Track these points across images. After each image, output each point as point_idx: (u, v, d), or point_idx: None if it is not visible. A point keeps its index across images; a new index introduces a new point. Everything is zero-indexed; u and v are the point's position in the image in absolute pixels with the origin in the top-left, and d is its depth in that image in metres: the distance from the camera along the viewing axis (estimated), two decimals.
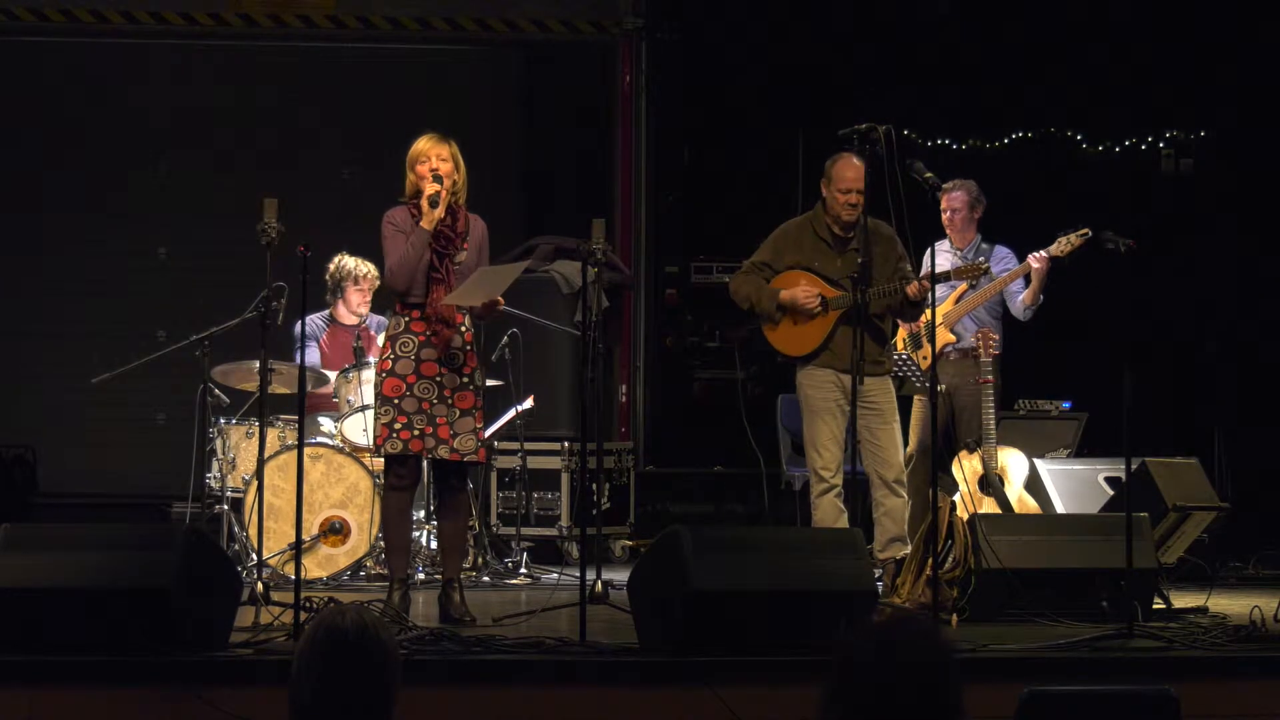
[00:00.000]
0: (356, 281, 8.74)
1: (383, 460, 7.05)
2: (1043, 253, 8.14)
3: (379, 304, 8.73)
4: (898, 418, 7.58)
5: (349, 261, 8.76)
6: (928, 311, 7.20)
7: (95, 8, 11.41)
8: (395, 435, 6.66)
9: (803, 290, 7.49)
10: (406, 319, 6.74)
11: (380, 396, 6.74)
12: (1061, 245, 8.09)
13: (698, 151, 11.53)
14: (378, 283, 8.62)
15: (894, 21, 10.96)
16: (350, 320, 8.83)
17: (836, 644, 2.91)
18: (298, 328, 7.82)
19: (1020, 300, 8.37)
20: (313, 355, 8.59)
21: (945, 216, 8.27)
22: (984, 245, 8.49)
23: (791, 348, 7.60)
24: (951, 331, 8.29)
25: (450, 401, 6.70)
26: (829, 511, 7.43)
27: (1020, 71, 10.96)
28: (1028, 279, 8.35)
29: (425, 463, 7.08)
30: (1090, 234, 8.00)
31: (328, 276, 8.80)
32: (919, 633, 2.90)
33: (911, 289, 7.38)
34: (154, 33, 11.47)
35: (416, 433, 6.65)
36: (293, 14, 11.50)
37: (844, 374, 7.41)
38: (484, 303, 6.76)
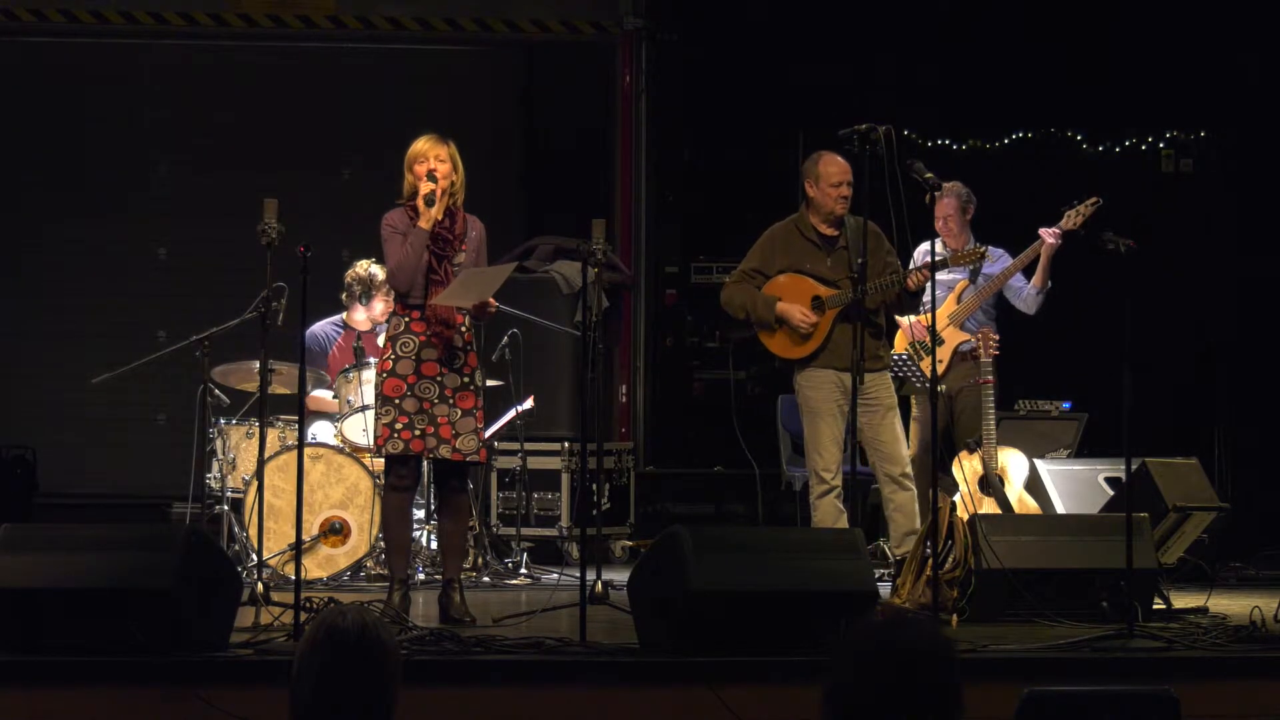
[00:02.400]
0: (388, 291, 8.72)
1: (383, 460, 7.05)
2: (1055, 228, 8.13)
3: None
4: (898, 412, 7.59)
5: (377, 270, 8.73)
6: (925, 316, 7.21)
7: (95, 8, 11.41)
8: (396, 435, 6.66)
9: (799, 310, 7.51)
10: (407, 319, 6.75)
11: (381, 397, 6.75)
12: (1072, 218, 8.07)
13: (698, 151, 11.53)
14: None
15: (894, 22, 10.95)
16: (365, 326, 8.83)
17: (836, 643, 2.92)
18: (305, 339, 7.80)
19: (1030, 286, 8.33)
20: (320, 369, 8.59)
21: (939, 224, 8.24)
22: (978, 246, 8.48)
23: (790, 351, 7.62)
24: (962, 329, 8.28)
25: (451, 401, 6.70)
26: (829, 513, 7.43)
27: (1020, 71, 10.96)
28: (1027, 273, 8.34)
29: (425, 463, 7.08)
30: (1100, 202, 8.00)
31: (353, 281, 8.79)
32: (918, 632, 2.90)
33: (912, 280, 7.42)
34: (154, 33, 11.47)
35: (418, 433, 6.66)
36: (293, 14, 11.50)
37: (843, 373, 7.42)
38: (475, 304, 6.76)
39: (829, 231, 7.59)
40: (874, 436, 7.51)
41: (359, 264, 8.83)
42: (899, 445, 7.54)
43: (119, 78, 11.52)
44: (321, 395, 8.60)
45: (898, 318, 8.05)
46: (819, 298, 7.57)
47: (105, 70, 11.52)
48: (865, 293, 7.25)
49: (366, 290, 8.78)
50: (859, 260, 7.29)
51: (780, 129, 11.12)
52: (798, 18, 11.05)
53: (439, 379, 6.71)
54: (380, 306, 8.80)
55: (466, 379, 6.76)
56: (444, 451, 6.68)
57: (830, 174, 7.52)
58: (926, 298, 7.07)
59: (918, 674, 2.84)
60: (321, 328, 8.79)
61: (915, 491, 7.53)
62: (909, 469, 7.54)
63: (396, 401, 6.68)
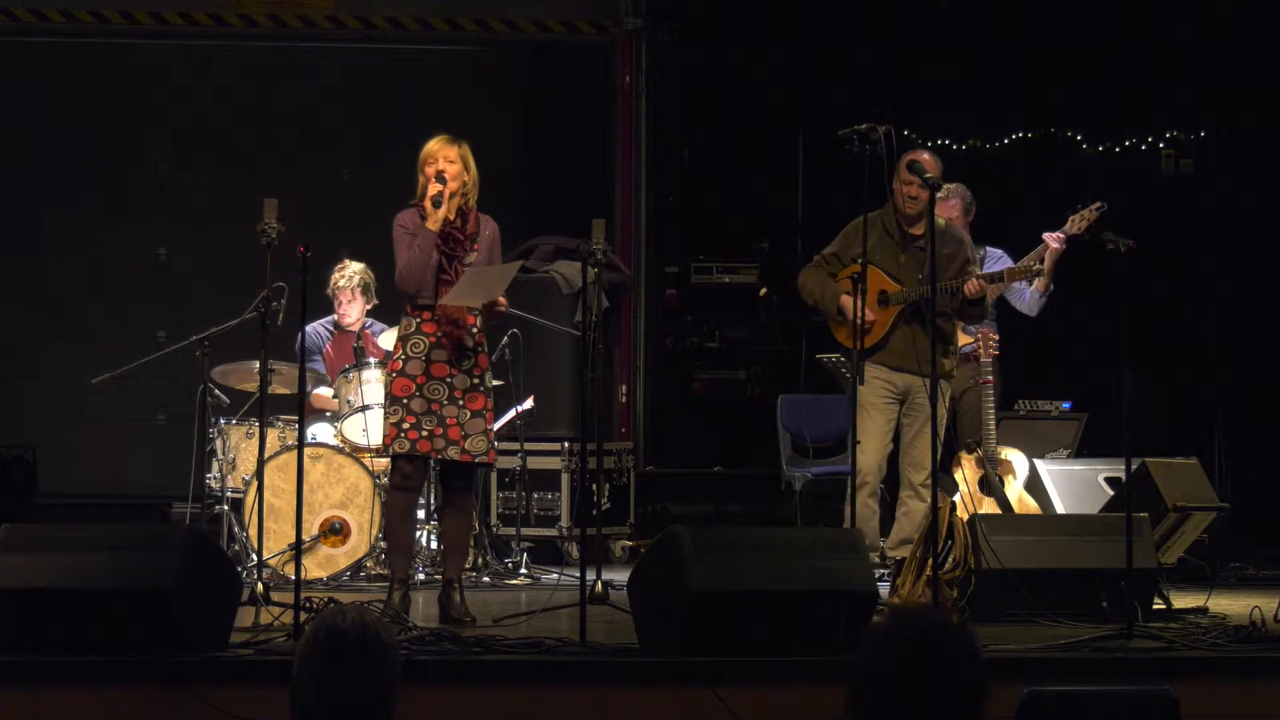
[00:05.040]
0: (349, 295, 8.78)
1: (384, 460, 7.05)
2: (1059, 233, 8.14)
3: (384, 309, 8.76)
4: (939, 424, 7.50)
5: (337, 275, 8.79)
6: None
7: (95, 8, 11.40)
8: (403, 435, 6.66)
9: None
10: (418, 320, 6.75)
11: (389, 396, 6.75)
12: (1076, 222, 8.08)
13: (698, 151, 11.53)
14: (359, 289, 8.68)
15: (894, 21, 10.96)
16: (354, 326, 8.85)
17: (861, 642, 2.91)
18: (298, 340, 7.80)
19: (1033, 290, 8.35)
20: (317, 368, 8.61)
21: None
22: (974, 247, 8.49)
23: (850, 341, 7.64)
24: (964, 331, 8.28)
25: (461, 402, 6.70)
26: (859, 511, 7.42)
27: (1020, 71, 10.96)
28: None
29: (429, 465, 7.07)
30: (1105, 206, 7.99)
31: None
32: (938, 631, 2.90)
33: (969, 287, 7.45)
34: (154, 33, 11.46)
35: (425, 433, 6.65)
36: (293, 14, 11.49)
37: (896, 372, 7.49)
38: (484, 304, 6.76)
39: (912, 230, 7.59)
40: (909, 443, 7.60)
41: (335, 269, 8.87)
42: (927, 455, 7.53)
43: (119, 78, 11.51)
44: (321, 393, 8.60)
45: None
46: (885, 292, 7.58)
47: (105, 70, 11.51)
48: (863, 292, 7.25)
49: (335, 295, 8.82)
50: (859, 259, 7.28)
51: (780, 129, 11.12)
52: (798, 18, 11.05)
53: (448, 380, 6.70)
54: (353, 311, 8.82)
55: (476, 380, 6.76)
56: (452, 453, 6.68)
57: (905, 174, 7.51)
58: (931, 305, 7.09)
59: (944, 674, 2.84)
60: (314, 328, 8.81)
61: (928, 503, 7.52)
62: (929, 481, 7.53)
63: (404, 401, 6.68)
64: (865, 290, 7.24)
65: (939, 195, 7.94)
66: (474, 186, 6.82)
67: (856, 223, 7.75)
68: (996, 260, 8.40)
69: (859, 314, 7.25)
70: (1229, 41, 10.81)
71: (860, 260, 7.31)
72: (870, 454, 7.47)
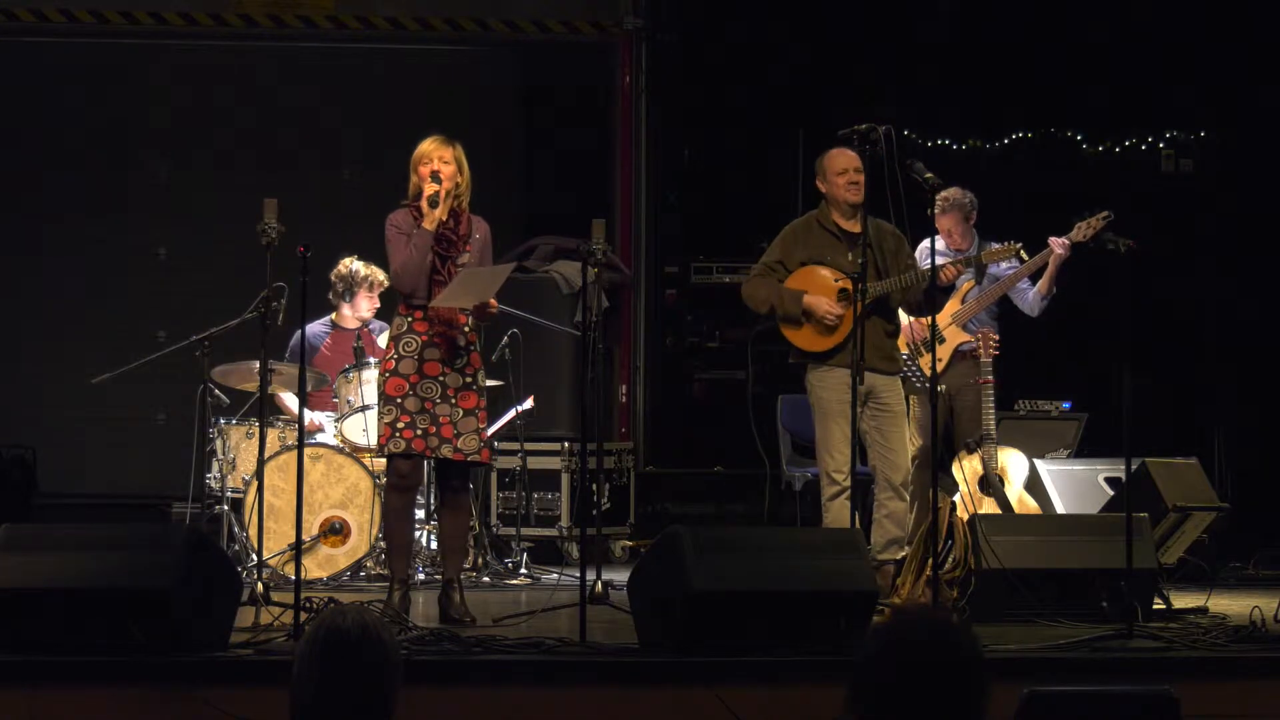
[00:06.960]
0: (371, 288, 8.74)
1: (383, 460, 7.05)
2: (1065, 238, 8.14)
3: (380, 309, 8.76)
4: (906, 420, 7.59)
5: (359, 266, 8.75)
6: (923, 320, 7.21)
7: (95, 8, 11.40)
8: (398, 434, 6.66)
9: (826, 302, 7.48)
10: (410, 319, 6.75)
11: (383, 396, 6.75)
12: (1082, 230, 8.07)
13: (698, 151, 11.53)
14: (385, 285, 8.61)
15: (894, 21, 10.96)
16: (353, 325, 8.83)
17: (858, 643, 2.92)
18: (294, 339, 7.78)
19: (1035, 291, 8.36)
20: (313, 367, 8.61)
21: (944, 236, 8.23)
22: (982, 244, 8.50)
23: (812, 344, 7.59)
24: (964, 329, 8.28)
25: (453, 401, 6.70)
26: (840, 514, 7.41)
27: (1020, 71, 10.97)
28: (1033, 277, 8.35)
29: (426, 464, 7.07)
30: (1112, 216, 7.99)
31: (336, 279, 8.80)
32: (939, 631, 2.90)
33: (946, 273, 7.45)
34: (154, 33, 11.46)
35: (419, 432, 6.66)
36: (293, 14, 11.49)
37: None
38: (475, 305, 6.76)
39: (850, 226, 7.59)
40: (881, 441, 7.51)
41: (342, 262, 8.84)
42: (904, 454, 7.53)
43: (119, 78, 11.51)
44: (286, 397, 8.56)
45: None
46: (845, 289, 7.58)
47: (105, 70, 11.50)
48: (865, 292, 7.25)
49: (350, 288, 8.79)
50: (859, 260, 7.28)
51: (780, 129, 11.12)
52: (798, 18, 11.06)
53: (441, 379, 6.71)
54: (365, 304, 8.80)
55: (469, 379, 6.76)
56: (446, 451, 6.68)
57: (836, 165, 7.53)
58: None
59: (936, 674, 2.84)
60: (310, 328, 8.79)
61: (909, 503, 7.52)
62: (909, 479, 7.53)
63: (398, 401, 6.68)
64: (865, 293, 7.22)
65: (938, 210, 7.98)
66: (467, 188, 6.82)
67: (792, 227, 7.76)
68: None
69: (857, 315, 7.24)
70: (1229, 41, 10.81)
71: (860, 260, 7.29)
72: (843, 459, 7.44)
